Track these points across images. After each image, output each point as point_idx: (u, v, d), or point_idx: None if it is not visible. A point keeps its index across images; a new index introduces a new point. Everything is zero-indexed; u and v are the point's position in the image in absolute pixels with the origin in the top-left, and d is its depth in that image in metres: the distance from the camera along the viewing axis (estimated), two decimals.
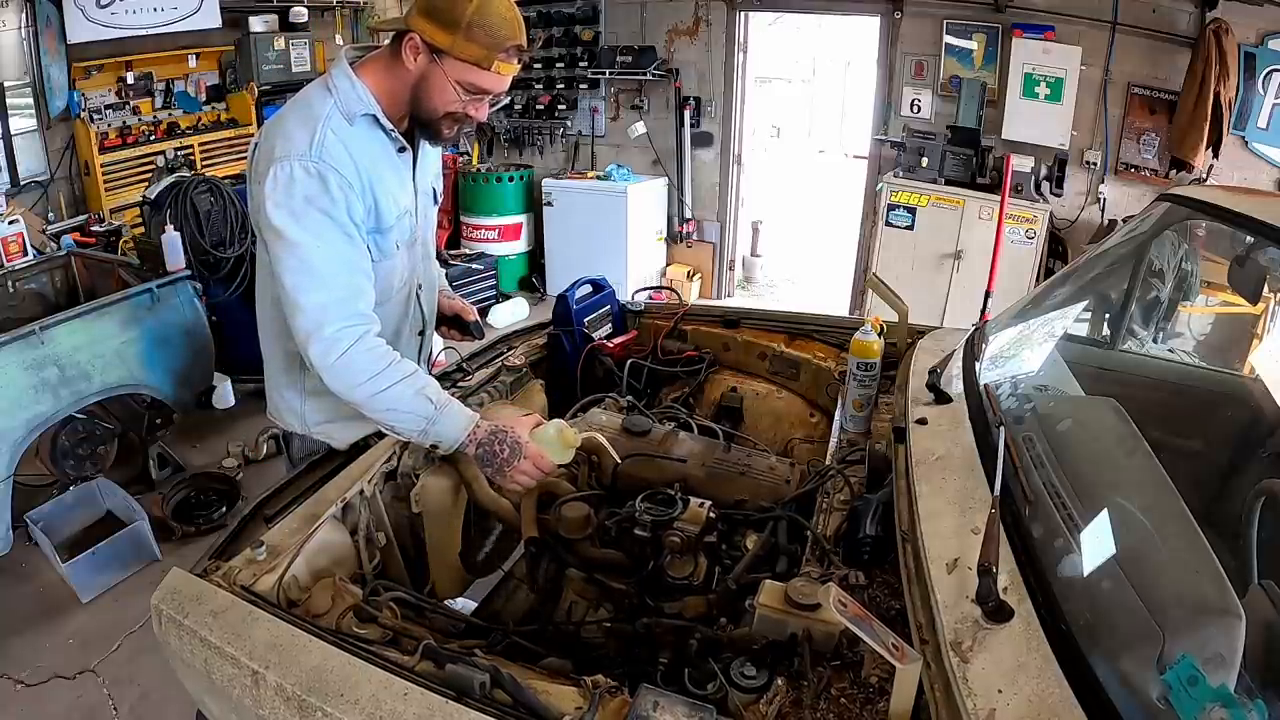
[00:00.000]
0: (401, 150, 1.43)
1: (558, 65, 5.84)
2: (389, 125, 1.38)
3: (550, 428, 1.37)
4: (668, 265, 5.99)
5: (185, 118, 5.07)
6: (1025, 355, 1.59)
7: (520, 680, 0.92)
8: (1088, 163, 4.53)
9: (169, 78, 4.99)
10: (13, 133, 4.27)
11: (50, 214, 4.43)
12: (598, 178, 5.69)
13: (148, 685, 2.31)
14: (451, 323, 1.79)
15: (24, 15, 4.21)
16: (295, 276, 1.29)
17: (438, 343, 1.86)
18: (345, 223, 1.31)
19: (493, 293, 5.59)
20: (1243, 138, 4.14)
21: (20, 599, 2.70)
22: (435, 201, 1.63)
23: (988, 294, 3.32)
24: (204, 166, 4.86)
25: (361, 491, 1.35)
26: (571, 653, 1.21)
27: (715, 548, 1.31)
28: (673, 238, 5.97)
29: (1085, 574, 0.95)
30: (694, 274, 5.92)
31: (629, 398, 1.82)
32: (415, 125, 1.43)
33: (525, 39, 1.32)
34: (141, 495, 3.10)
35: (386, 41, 1.40)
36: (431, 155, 1.58)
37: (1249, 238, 1.57)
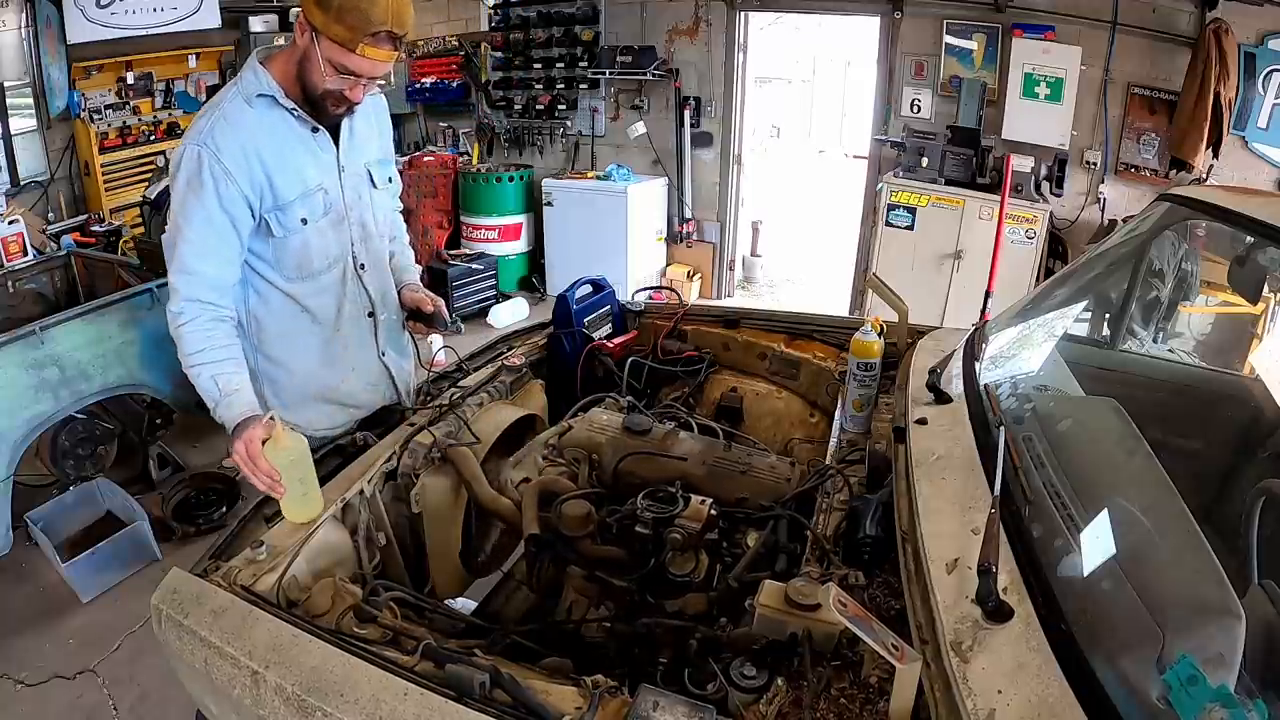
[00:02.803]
0: (315, 130, 1.47)
1: (558, 65, 5.84)
2: (289, 105, 1.43)
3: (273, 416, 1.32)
4: (668, 265, 5.99)
5: (185, 118, 5.08)
6: (1025, 355, 1.59)
7: (520, 680, 0.92)
8: (1088, 163, 4.53)
9: (169, 78, 5.00)
10: (13, 133, 4.28)
11: (50, 214, 4.44)
12: (598, 178, 5.68)
13: (148, 685, 2.31)
14: (417, 317, 1.78)
15: (24, 15, 4.22)
16: (166, 251, 1.41)
17: (437, 341, 1.85)
18: (213, 208, 1.38)
19: (493, 293, 5.59)
20: (1243, 138, 4.13)
21: (20, 599, 2.70)
22: (374, 184, 1.63)
23: (988, 294, 3.32)
24: None
25: (361, 491, 1.35)
26: (571, 653, 1.21)
27: (716, 545, 1.31)
28: (673, 238, 5.97)
29: (1085, 574, 0.95)
30: (694, 274, 5.92)
31: (629, 398, 1.82)
32: (308, 103, 1.46)
33: (405, 25, 1.33)
34: (141, 495, 3.09)
35: None
36: (364, 136, 1.60)
37: (1249, 238, 1.58)
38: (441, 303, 1.74)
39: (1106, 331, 2.04)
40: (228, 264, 1.43)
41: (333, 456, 1.50)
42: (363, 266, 1.62)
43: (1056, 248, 4.50)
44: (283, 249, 1.49)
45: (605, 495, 1.46)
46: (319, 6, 1.29)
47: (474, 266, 5.45)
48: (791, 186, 10.48)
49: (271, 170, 1.42)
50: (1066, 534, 1.00)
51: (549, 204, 5.71)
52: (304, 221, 1.49)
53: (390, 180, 1.70)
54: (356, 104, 1.45)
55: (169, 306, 1.40)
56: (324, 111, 1.45)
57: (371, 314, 1.67)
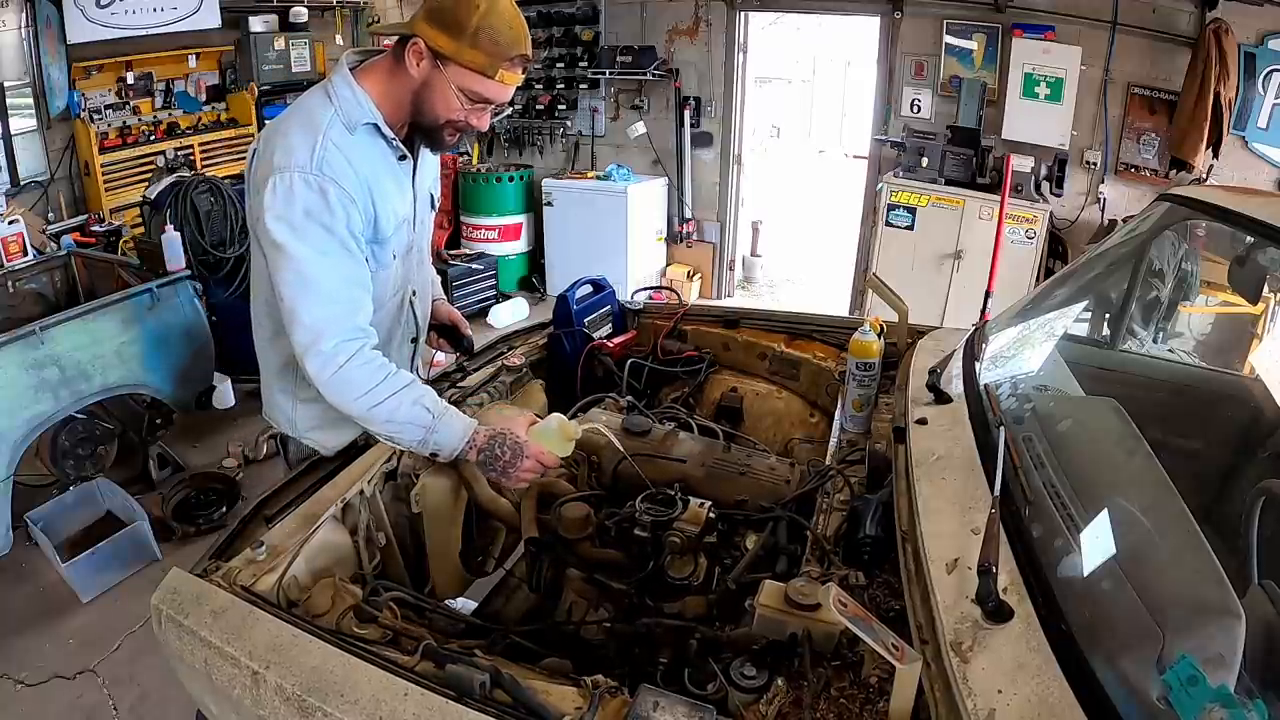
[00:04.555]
0: (402, 158, 1.41)
1: (558, 65, 5.84)
2: (390, 134, 1.36)
3: (552, 421, 1.37)
4: (668, 265, 5.99)
5: (185, 118, 5.07)
6: (1025, 355, 1.59)
7: (520, 680, 0.92)
8: (1088, 163, 4.53)
9: (169, 78, 4.99)
10: (13, 133, 4.27)
11: (50, 214, 4.43)
12: (598, 178, 5.68)
13: (148, 685, 2.31)
14: (443, 332, 1.76)
15: (24, 15, 4.21)
16: (294, 290, 1.27)
17: None
18: (345, 236, 1.29)
19: (493, 293, 5.59)
20: (1243, 138, 4.14)
21: (20, 599, 2.70)
22: (432, 206, 1.62)
23: (988, 294, 3.32)
24: (204, 166, 4.86)
25: (361, 491, 1.35)
26: (571, 653, 1.21)
27: (715, 548, 1.31)
28: (673, 238, 5.97)
29: (1085, 574, 0.95)
30: (694, 274, 5.92)
31: (629, 398, 1.81)
32: (415, 132, 1.41)
33: (530, 49, 1.31)
34: (141, 495, 3.10)
35: (389, 43, 1.39)
36: (430, 160, 1.56)
37: (1249, 238, 1.58)
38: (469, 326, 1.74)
39: (1106, 331, 2.04)
40: (368, 292, 1.35)
41: (333, 458, 1.50)
42: (414, 294, 1.59)
43: (1056, 248, 4.51)
44: (372, 284, 1.41)
45: (604, 497, 1.46)
46: (449, 34, 1.24)
47: (474, 266, 5.45)
48: (791, 186, 10.48)
49: (377, 202, 1.35)
50: (1066, 534, 1.00)
51: (549, 204, 5.71)
52: (394, 256, 1.44)
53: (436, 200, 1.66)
54: (479, 131, 1.39)
55: (318, 348, 1.26)
56: (439, 141, 1.39)
57: (414, 339, 1.65)
